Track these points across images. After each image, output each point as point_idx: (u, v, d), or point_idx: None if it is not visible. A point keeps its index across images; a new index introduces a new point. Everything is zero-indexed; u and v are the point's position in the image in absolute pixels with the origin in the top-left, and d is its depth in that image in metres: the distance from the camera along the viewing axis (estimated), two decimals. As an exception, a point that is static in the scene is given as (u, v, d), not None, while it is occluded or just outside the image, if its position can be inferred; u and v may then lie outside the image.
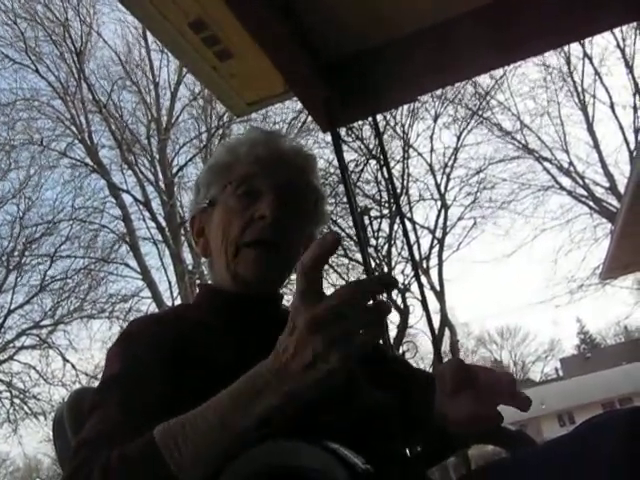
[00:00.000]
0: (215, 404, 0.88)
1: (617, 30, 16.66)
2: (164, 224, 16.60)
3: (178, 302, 16.07)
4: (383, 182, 13.96)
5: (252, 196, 1.24)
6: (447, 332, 15.38)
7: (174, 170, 17.23)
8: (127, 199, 17.01)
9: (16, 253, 16.40)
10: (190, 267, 15.63)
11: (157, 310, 16.21)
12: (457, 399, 1.06)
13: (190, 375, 1.05)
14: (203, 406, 0.89)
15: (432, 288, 15.75)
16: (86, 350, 17.21)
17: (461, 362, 1.07)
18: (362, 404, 1.14)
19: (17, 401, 16.19)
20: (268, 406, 0.84)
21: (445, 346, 14.84)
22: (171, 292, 16.64)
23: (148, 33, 14.67)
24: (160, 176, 17.04)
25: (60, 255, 16.59)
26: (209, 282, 1.37)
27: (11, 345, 16.30)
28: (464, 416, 1.04)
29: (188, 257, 15.93)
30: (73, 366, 16.26)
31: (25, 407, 16.15)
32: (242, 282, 1.24)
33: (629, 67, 17.92)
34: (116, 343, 1.15)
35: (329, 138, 3.59)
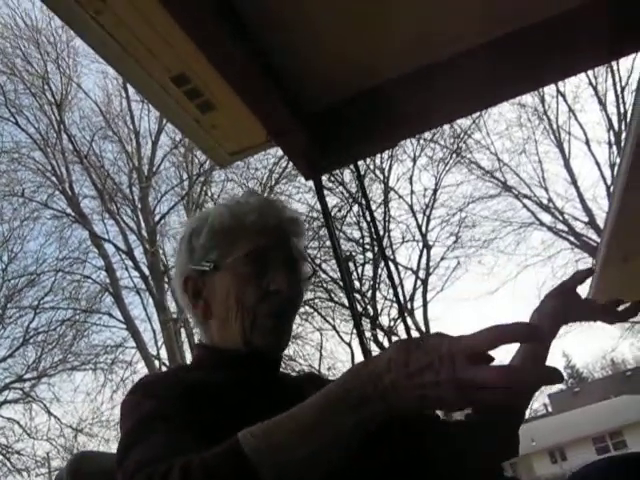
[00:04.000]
0: (305, 409, 0.87)
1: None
2: (147, 273, 16.53)
3: (163, 351, 15.92)
4: (365, 225, 14.08)
5: (263, 266, 1.28)
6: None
7: (156, 218, 17.26)
8: (110, 249, 16.98)
9: (-1, 306, 16.23)
10: (174, 315, 15.51)
11: (142, 359, 16.05)
12: None
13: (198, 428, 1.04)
14: (285, 415, 0.88)
15: (417, 329, 15.74)
16: (70, 403, 16.96)
17: None
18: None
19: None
20: (369, 414, 0.85)
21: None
22: (155, 341, 16.53)
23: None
24: (142, 224, 17.05)
25: (43, 307, 16.44)
26: (202, 342, 1.38)
27: (-7, 400, 16.01)
28: None
29: (172, 305, 15.83)
30: (58, 419, 15.99)
31: (8, 463, 15.80)
32: (254, 349, 1.27)
33: (602, 104, 18.30)
34: (133, 391, 1.15)
35: (311, 183, 3.61)
